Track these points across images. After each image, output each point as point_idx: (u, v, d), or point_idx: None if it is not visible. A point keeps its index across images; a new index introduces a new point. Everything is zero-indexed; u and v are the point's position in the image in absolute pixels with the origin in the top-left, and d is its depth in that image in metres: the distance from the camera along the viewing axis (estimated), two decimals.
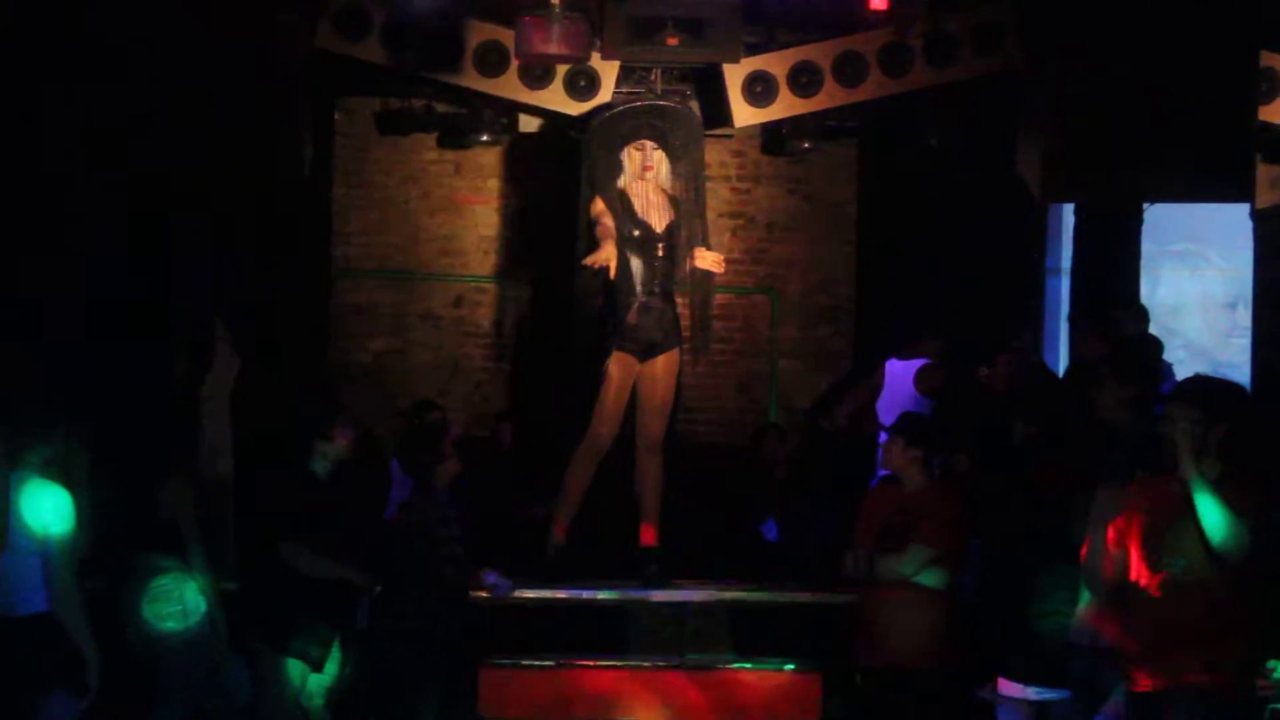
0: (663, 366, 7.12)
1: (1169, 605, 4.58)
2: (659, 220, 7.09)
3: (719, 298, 7.79)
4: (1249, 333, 9.11)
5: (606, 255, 6.85)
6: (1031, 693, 5.66)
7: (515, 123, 8.47)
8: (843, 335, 9.62)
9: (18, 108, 6.99)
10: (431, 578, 6.22)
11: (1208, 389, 4.73)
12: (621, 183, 7.10)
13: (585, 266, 6.98)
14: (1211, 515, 4.52)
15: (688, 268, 7.16)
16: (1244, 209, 8.23)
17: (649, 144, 7.13)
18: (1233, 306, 9.84)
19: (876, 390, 7.86)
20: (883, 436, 7.52)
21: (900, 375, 7.83)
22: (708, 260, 7.11)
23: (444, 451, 6.42)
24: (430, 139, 9.34)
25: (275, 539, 6.11)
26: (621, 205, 7.06)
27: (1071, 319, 8.13)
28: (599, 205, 7.07)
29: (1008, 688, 5.75)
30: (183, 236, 7.79)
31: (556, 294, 8.72)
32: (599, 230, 7.00)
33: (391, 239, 9.54)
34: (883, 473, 7.49)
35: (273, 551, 6.10)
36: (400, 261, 9.55)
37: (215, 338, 7.50)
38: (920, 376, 7.75)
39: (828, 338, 9.65)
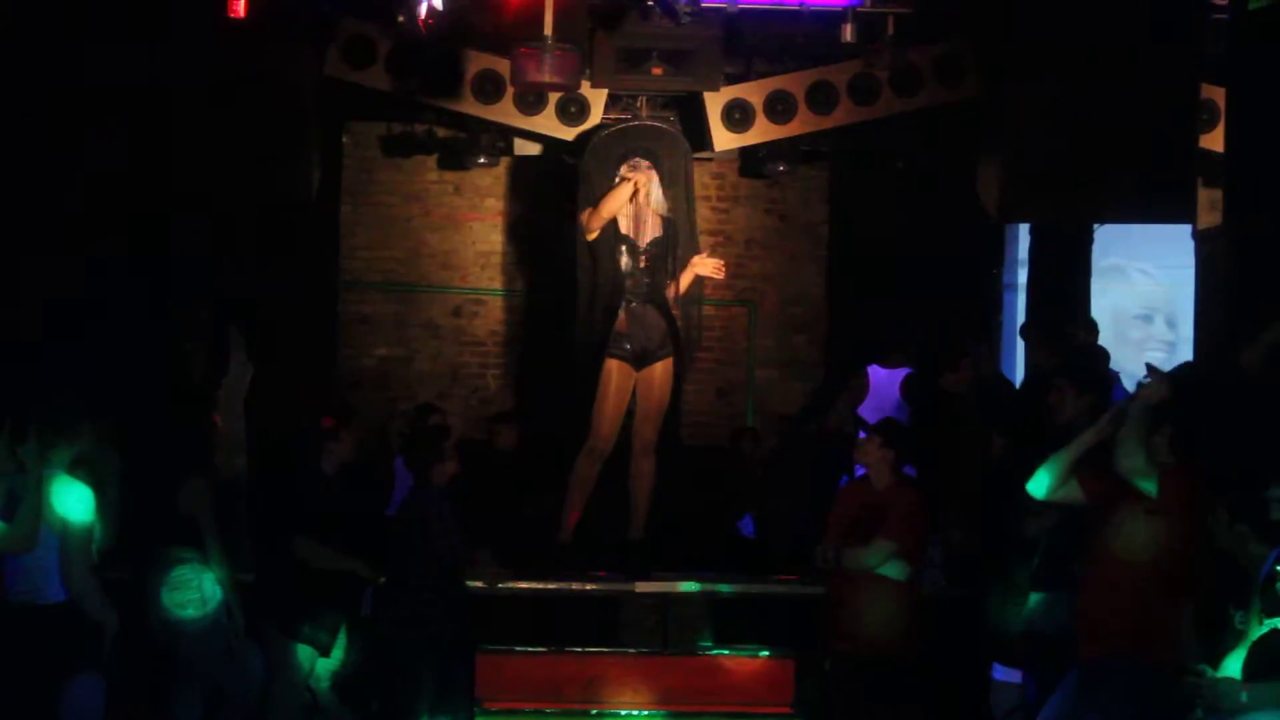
0: (659, 373, 7.07)
1: (1108, 587, 4.78)
2: (647, 233, 7.07)
3: (704, 309, 7.81)
4: (1167, 345, 9.20)
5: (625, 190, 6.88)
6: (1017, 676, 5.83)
7: (511, 146, 8.46)
8: (815, 345, 9.67)
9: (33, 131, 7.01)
10: (429, 568, 6.27)
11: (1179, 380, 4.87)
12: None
13: (584, 265, 7.00)
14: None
15: (683, 282, 7.11)
16: (1180, 229, 8.32)
17: (643, 162, 7.16)
18: (1148, 319, 9.92)
19: (862, 395, 7.92)
20: (862, 435, 7.60)
21: (885, 382, 7.87)
22: (708, 266, 7.07)
23: (444, 452, 6.47)
24: (431, 161, 9.35)
25: (287, 533, 6.18)
26: (615, 219, 7.02)
27: (1023, 331, 8.18)
28: (588, 213, 7.09)
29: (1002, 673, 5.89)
30: (201, 250, 7.84)
31: (550, 305, 8.77)
32: (596, 219, 6.98)
33: (395, 253, 9.55)
34: (859, 472, 7.58)
35: (284, 544, 6.16)
36: (403, 275, 9.56)
37: (231, 344, 7.54)
38: (905, 385, 7.81)
39: (801, 347, 9.69)
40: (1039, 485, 5.13)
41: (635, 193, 7.01)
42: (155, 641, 6.04)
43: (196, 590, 5.99)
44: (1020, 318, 8.96)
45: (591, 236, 7.02)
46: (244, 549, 6.44)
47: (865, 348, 8.16)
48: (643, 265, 7.04)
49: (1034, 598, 5.66)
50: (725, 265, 7.30)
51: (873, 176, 9.07)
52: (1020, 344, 8.57)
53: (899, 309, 8.62)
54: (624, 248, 7.03)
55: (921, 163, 8.71)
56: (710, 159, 8.96)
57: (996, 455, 6.55)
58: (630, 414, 7.13)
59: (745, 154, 8.79)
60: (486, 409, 9.32)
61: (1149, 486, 4.94)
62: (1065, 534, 5.45)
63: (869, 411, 7.68)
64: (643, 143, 7.17)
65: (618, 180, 7.07)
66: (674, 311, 7.12)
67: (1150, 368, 5.06)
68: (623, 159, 7.14)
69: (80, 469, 5.05)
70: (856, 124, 8.02)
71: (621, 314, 7.01)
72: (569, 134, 7.87)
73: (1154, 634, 4.87)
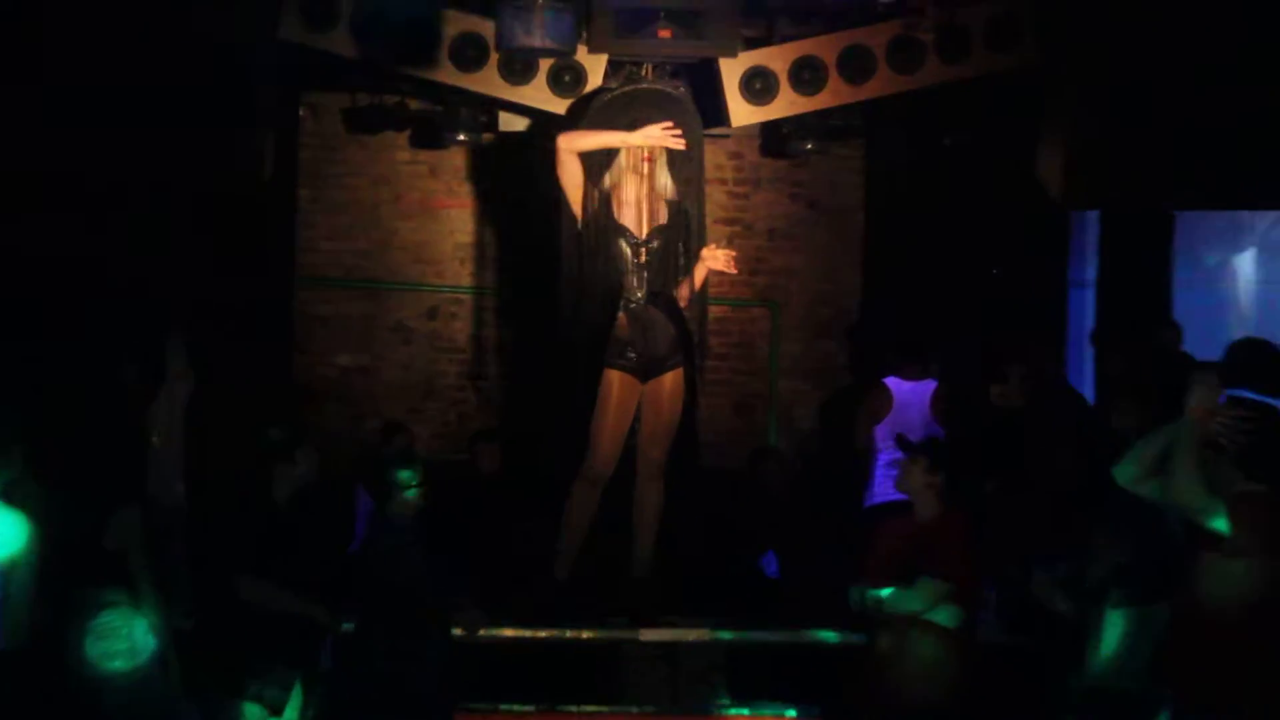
0: (668, 386, 6.98)
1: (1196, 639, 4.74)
2: (649, 221, 6.95)
3: (713, 310, 7.70)
4: None
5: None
6: None
7: (496, 121, 8.47)
8: (848, 351, 9.64)
9: None
10: (400, 614, 6.22)
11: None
12: (611, 177, 6.97)
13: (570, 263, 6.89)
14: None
15: (697, 279, 7.00)
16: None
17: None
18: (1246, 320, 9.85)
19: (883, 411, 7.86)
20: (883, 456, 7.54)
21: (908, 396, 7.85)
22: (718, 259, 6.89)
23: (417, 477, 6.40)
24: (402, 138, 9.38)
25: (232, 572, 6.15)
26: (609, 203, 6.93)
27: (1095, 336, 8.15)
28: (569, 135, 6.86)
29: None
30: (134, 238, 7.79)
31: (541, 306, 8.72)
32: (581, 139, 6.80)
33: (360, 245, 9.57)
34: (877, 499, 7.52)
35: (229, 585, 6.13)
36: (369, 270, 9.57)
37: (168, 352, 7.47)
38: (936, 400, 7.76)
39: (832, 354, 9.69)
40: (1124, 472, 5.00)
41: (647, 165, 6.87)
42: (77, 699, 5.96)
43: (126, 639, 5.93)
44: (1090, 319, 8.91)
45: (568, 164, 6.79)
46: (182, 591, 6.39)
47: (897, 357, 8.12)
48: (644, 259, 6.93)
49: (1107, 646, 5.60)
50: (742, 259, 7.19)
51: (915, 156, 9.07)
52: (1091, 350, 8.54)
53: (946, 309, 8.58)
54: (623, 239, 6.92)
55: (972, 140, 8.66)
56: (727, 136, 8.97)
57: (1061, 480, 6.49)
58: (634, 433, 7.05)
59: (767, 130, 8.82)
60: (467, 426, 9.34)
61: (1218, 524, 4.80)
62: (1144, 570, 5.39)
63: (886, 432, 7.66)
64: (649, 112, 7.03)
65: (616, 151, 6.94)
66: (685, 314, 7.03)
67: (1193, 368, 4.92)
68: (628, 127, 6.99)
69: (13, 496, 4.99)
70: (896, 95, 7.97)
71: (622, 317, 6.92)
72: (562, 106, 7.82)
73: (1251, 695, 4.75)
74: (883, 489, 7.59)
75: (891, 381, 7.93)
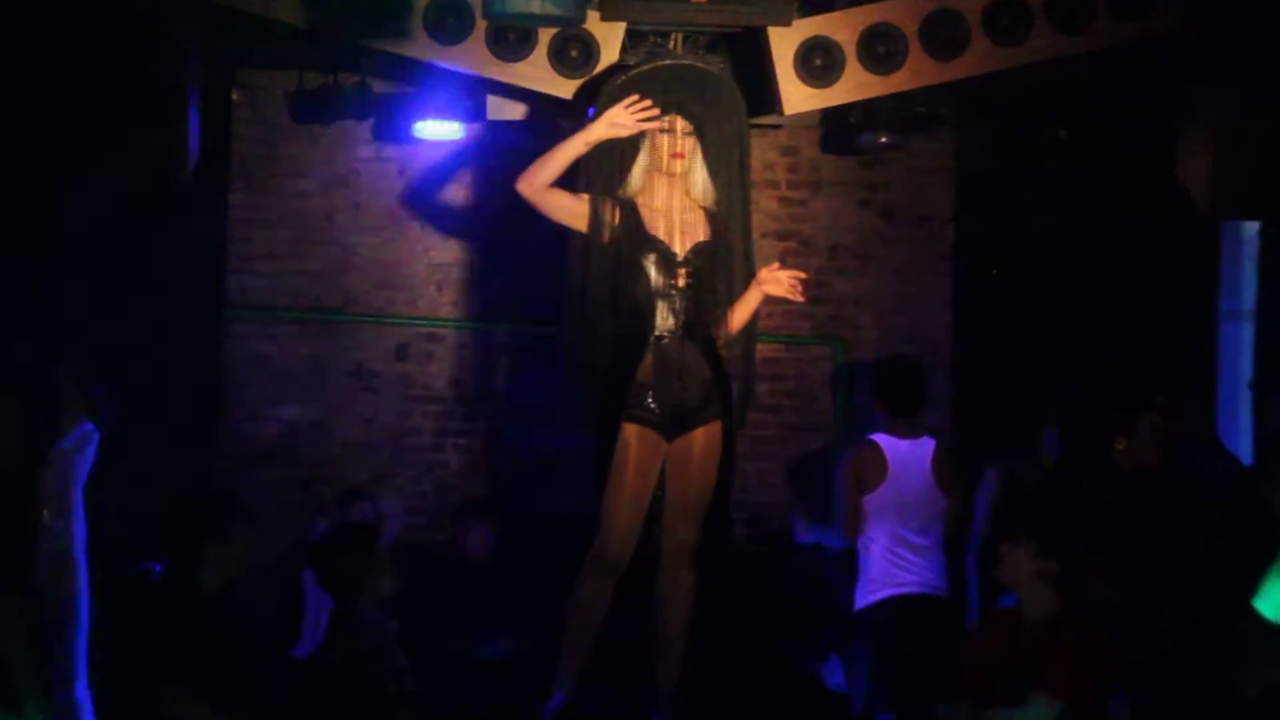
0: (701, 445, 6.90)
1: None
2: (685, 235, 6.92)
3: (761, 349, 7.66)
4: None
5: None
6: None
7: (483, 107, 8.48)
8: (935, 399, 9.60)
9: None
10: None
11: None
12: (635, 182, 6.93)
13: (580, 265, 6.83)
14: None
15: (741, 311, 6.94)
16: None
17: (680, 125, 7.00)
18: None
19: (876, 478, 7.78)
20: (879, 536, 7.50)
21: (905, 459, 7.83)
22: (781, 283, 6.83)
23: (376, 560, 6.39)
24: (364, 129, 9.44)
25: (147, 680, 6.10)
26: (631, 213, 6.93)
27: (1254, 381, 8.12)
28: (584, 206, 6.89)
29: None
30: (24, 257, 7.80)
31: (542, 343, 8.73)
32: (541, 172, 6.78)
33: (309, 265, 9.60)
34: (877, 594, 7.48)
35: (145, 697, 6.08)
36: (321, 296, 9.62)
37: (63, 400, 7.48)
38: (938, 464, 7.78)
39: None
40: (1271, 603, 5.02)
41: (678, 162, 6.83)
42: None
43: None
44: (1247, 358, 8.88)
45: (550, 201, 6.79)
46: (79, 701, 6.32)
47: (1007, 400, 8.04)
48: (683, 284, 6.89)
49: None
50: (804, 282, 7.12)
51: (1020, 154, 9.03)
52: (1248, 397, 8.51)
53: (1058, 346, 8.55)
54: (656, 255, 6.89)
55: (1095, 133, 8.64)
56: (778, 127, 8.97)
57: (1206, 564, 6.41)
58: (658, 504, 7.01)
59: (830, 119, 8.76)
60: (446, 497, 9.31)
61: None
62: None
63: (889, 503, 7.67)
64: (678, 95, 7.01)
65: (640, 146, 6.89)
66: (723, 353, 7.00)
67: None
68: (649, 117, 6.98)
69: None
70: (996, 74, 7.94)
71: (648, 358, 6.89)
72: (567, 89, 7.81)
73: None
74: (883, 579, 7.61)
75: (884, 440, 7.89)
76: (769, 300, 7.00)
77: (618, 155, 6.90)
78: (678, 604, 7.00)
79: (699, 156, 6.95)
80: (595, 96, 7.24)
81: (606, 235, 6.84)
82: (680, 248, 6.90)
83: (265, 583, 7.64)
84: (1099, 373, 8.34)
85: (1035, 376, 8.36)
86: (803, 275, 6.93)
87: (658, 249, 6.88)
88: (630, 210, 6.88)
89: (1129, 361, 8.46)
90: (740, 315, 6.97)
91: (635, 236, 6.85)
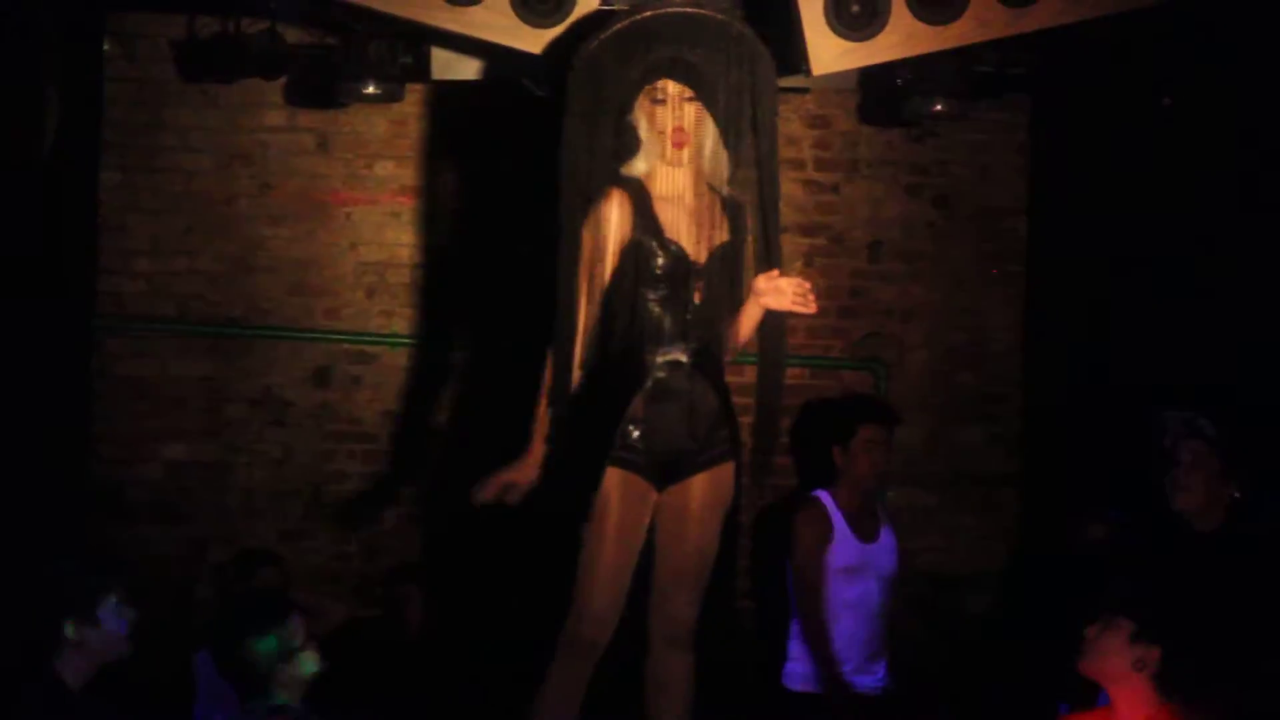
0: (701, 496, 6.98)
1: None
2: (690, 232, 6.98)
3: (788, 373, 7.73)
4: None
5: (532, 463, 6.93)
6: None
7: (426, 63, 8.55)
8: (1003, 440, 9.66)
9: None
10: None
11: None
12: (646, 161, 6.94)
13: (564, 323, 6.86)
14: None
15: (744, 324, 6.98)
16: None
17: (674, 91, 7.03)
18: None
19: (821, 538, 8.18)
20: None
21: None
22: (782, 293, 6.89)
23: (293, 640, 6.43)
24: (274, 90, 9.47)
25: None
26: (642, 200, 6.91)
27: None
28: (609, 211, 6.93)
29: None
30: None
31: (500, 363, 8.74)
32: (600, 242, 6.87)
33: (202, 265, 9.64)
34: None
35: None
36: (218, 305, 9.65)
37: None
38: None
39: (978, 445, 9.70)
40: None
41: (675, 152, 6.86)
42: None
43: None
44: None
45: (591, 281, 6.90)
46: None
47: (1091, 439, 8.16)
48: (687, 297, 6.90)
49: None
50: (829, 289, 7.21)
51: (1113, 127, 9.07)
52: None
53: (1157, 369, 8.60)
54: (660, 258, 6.95)
55: (1203, 100, 8.70)
56: (804, 90, 9.01)
57: None
58: (646, 568, 7.06)
59: (871, 82, 8.81)
60: (378, 560, 9.31)
61: None
62: None
63: (839, 565, 8.02)
64: (679, 50, 7.05)
65: (633, 123, 6.99)
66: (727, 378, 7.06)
67: None
68: (640, 84, 7.05)
69: None
70: (1078, 26, 8.00)
71: (643, 389, 6.93)
72: (536, 41, 7.86)
73: None
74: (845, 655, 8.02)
75: (825, 496, 8.23)
76: (783, 314, 7.04)
77: (607, 131, 6.95)
78: (671, 696, 7.05)
79: (707, 125, 6.98)
80: (576, 54, 7.17)
81: (613, 240, 6.90)
82: (691, 243, 6.92)
83: (145, 671, 7.67)
84: (1212, 392, 8.33)
85: (1124, 405, 8.39)
86: (806, 284, 6.92)
87: (669, 249, 6.89)
88: (640, 195, 6.92)
89: (1258, 386, 8.48)
90: (742, 332, 7.03)
91: (643, 234, 6.88)
